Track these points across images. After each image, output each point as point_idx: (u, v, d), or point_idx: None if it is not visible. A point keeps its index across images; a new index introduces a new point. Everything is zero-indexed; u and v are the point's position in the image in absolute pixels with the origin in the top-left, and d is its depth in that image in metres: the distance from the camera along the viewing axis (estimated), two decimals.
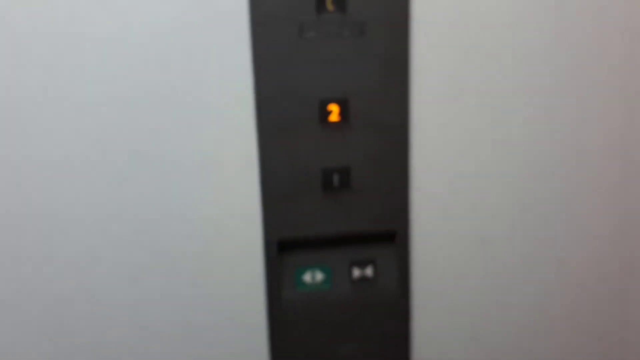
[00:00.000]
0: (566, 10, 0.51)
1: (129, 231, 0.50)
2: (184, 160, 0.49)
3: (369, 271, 0.53)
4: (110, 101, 0.47)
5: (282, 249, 0.52)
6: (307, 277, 0.53)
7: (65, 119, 0.47)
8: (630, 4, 0.52)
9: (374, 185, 0.51)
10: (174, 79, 0.47)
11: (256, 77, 0.48)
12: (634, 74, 0.54)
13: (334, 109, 0.49)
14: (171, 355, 0.53)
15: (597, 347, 0.60)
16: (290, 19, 0.47)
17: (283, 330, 0.53)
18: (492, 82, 0.52)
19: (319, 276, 0.53)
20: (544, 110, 0.53)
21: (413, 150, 0.52)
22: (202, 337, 0.53)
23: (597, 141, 0.55)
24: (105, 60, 0.46)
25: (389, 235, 0.53)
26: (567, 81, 0.53)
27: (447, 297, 0.56)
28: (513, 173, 0.54)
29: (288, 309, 0.53)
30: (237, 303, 0.52)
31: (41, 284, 0.50)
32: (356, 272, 0.53)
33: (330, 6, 0.48)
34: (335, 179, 0.51)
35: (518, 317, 0.57)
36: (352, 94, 0.49)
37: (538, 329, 0.58)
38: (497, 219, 0.55)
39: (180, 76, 0.47)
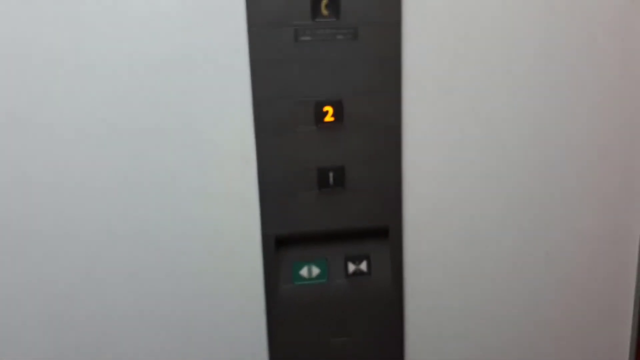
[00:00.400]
0: (557, 11, 0.52)
1: (130, 229, 0.51)
2: (185, 159, 0.50)
3: (363, 266, 0.55)
4: (110, 100, 0.48)
5: (280, 244, 0.53)
6: (303, 271, 0.54)
7: (67, 119, 0.48)
8: (622, 4, 0.53)
9: (368, 183, 0.53)
10: (174, 82, 0.48)
11: (253, 79, 0.49)
12: (627, 74, 0.54)
13: (329, 110, 0.50)
14: (171, 349, 0.54)
15: (590, 344, 0.61)
16: (286, 24, 0.48)
17: (281, 322, 0.54)
18: (483, 83, 0.52)
19: (315, 271, 0.54)
20: (535, 110, 0.54)
21: (405, 149, 0.53)
22: (201, 330, 0.54)
23: (589, 140, 0.55)
24: (106, 58, 0.47)
25: (383, 231, 0.54)
26: (558, 80, 0.53)
27: (439, 291, 0.56)
28: (504, 171, 0.55)
29: (285, 302, 0.54)
30: (236, 296, 0.54)
31: (43, 283, 0.51)
32: (351, 267, 0.55)
33: (324, 11, 0.49)
34: (331, 177, 0.52)
35: (509, 311, 0.58)
36: (346, 96, 0.51)
37: (529, 322, 0.59)
38: (488, 216, 0.56)
39: (180, 79, 0.48)
